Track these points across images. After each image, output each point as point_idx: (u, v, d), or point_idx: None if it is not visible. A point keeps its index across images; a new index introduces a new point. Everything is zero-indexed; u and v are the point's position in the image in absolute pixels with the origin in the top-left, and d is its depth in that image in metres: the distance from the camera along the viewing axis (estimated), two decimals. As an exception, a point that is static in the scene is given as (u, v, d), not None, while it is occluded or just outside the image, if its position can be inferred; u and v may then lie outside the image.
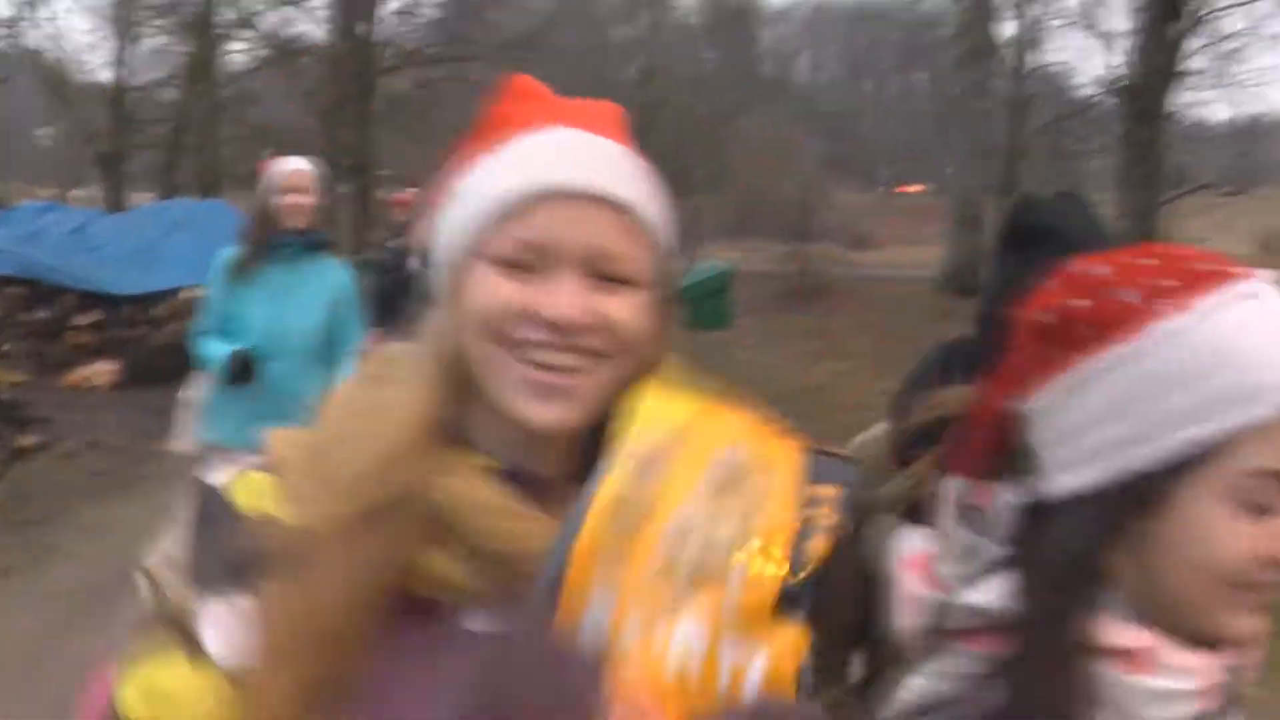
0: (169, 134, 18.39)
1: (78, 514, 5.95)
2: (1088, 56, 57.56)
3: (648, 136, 31.67)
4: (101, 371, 9.50)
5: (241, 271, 4.02)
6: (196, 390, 4.20)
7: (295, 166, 4.11)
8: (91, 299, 9.87)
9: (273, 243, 4.00)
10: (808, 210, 18.36)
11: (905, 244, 41.27)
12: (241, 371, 3.82)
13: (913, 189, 47.62)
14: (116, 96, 18.49)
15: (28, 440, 7.04)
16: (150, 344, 9.69)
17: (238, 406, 3.78)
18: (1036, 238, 1.65)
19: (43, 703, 3.43)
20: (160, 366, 9.22)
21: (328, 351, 4.00)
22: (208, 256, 12.72)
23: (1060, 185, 30.23)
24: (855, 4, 54.94)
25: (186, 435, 4.21)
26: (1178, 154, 18.02)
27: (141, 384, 9.16)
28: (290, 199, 4.00)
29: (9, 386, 8.43)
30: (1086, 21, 18.87)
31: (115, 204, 18.05)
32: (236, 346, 3.85)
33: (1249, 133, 19.92)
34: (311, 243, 4.07)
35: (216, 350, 3.90)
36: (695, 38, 46.67)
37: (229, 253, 4.10)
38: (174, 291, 10.08)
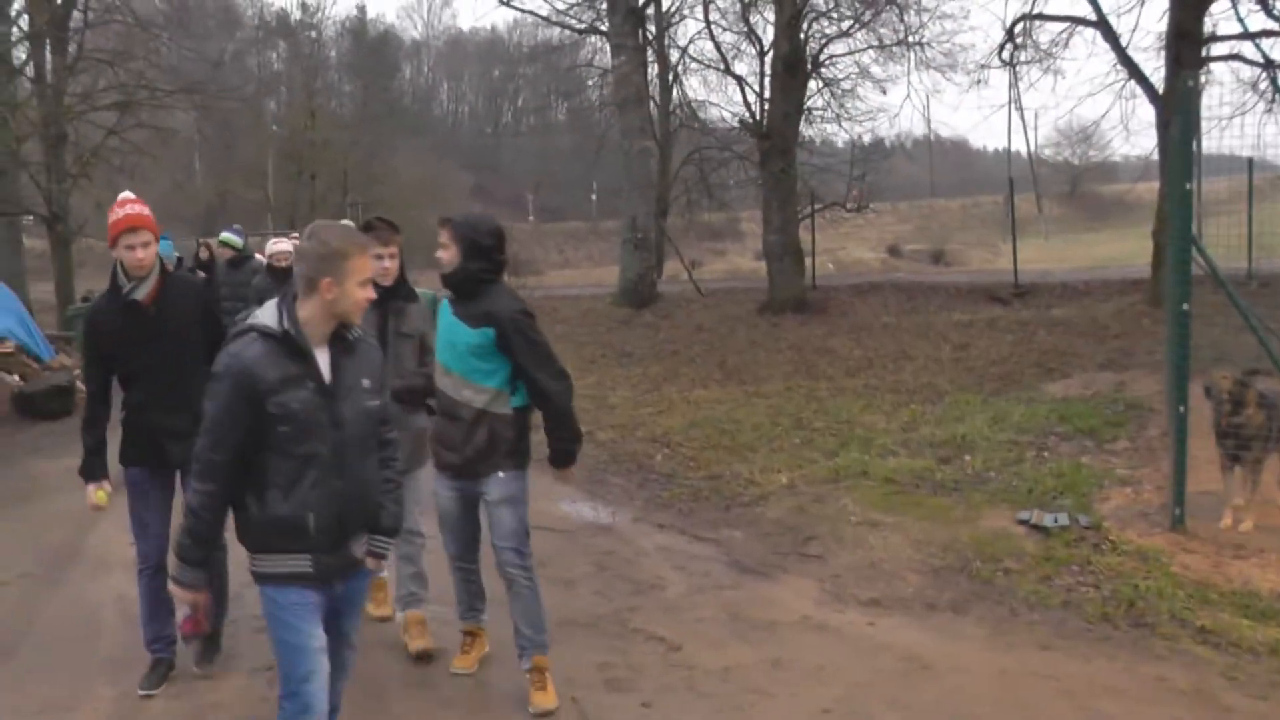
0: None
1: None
2: (728, 95, 63.07)
3: (316, 174, 31.34)
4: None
5: None
6: None
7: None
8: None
9: None
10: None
11: (557, 268, 43.42)
12: None
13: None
14: None
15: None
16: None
17: None
18: None
19: (91, 560, 6.07)
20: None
21: None
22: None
23: (710, 208, 32.62)
24: (488, 39, 56.86)
25: None
26: (810, 177, 21.24)
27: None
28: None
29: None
30: (722, 66, 21.67)
31: None
32: None
33: (865, 158, 23.77)
34: None
35: None
36: (337, 71, 46.25)
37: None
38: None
